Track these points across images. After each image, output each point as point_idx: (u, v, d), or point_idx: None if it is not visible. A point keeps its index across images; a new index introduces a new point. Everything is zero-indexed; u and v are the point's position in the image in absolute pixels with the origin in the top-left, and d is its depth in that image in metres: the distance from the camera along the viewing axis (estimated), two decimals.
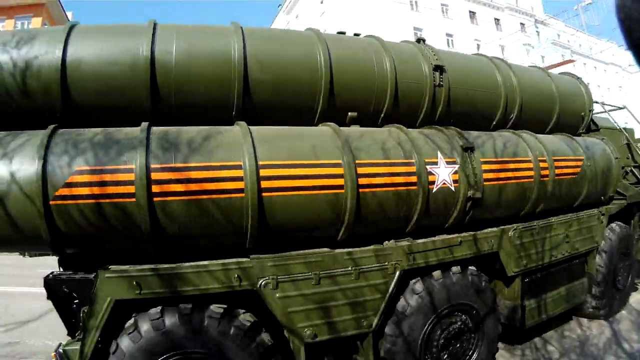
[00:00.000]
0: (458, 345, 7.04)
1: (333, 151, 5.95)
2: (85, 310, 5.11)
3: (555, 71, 11.28)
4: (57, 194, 4.93)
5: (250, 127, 5.84)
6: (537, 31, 67.69)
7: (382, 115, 7.19)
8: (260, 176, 5.41)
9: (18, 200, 4.89)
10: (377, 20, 49.47)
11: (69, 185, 4.94)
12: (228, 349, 5.38)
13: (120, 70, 5.71)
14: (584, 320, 9.31)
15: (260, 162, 5.47)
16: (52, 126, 5.33)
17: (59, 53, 5.50)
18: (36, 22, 46.98)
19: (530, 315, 7.93)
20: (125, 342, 5.10)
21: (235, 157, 5.44)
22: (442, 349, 6.85)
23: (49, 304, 12.25)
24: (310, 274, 5.77)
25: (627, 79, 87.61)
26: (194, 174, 5.25)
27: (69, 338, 6.00)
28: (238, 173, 5.37)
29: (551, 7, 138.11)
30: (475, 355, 7.19)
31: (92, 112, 5.80)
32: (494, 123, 8.58)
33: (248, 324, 5.52)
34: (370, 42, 7.52)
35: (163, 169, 5.17)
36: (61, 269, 5.93)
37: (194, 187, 5.23)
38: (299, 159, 5.75)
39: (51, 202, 4.91)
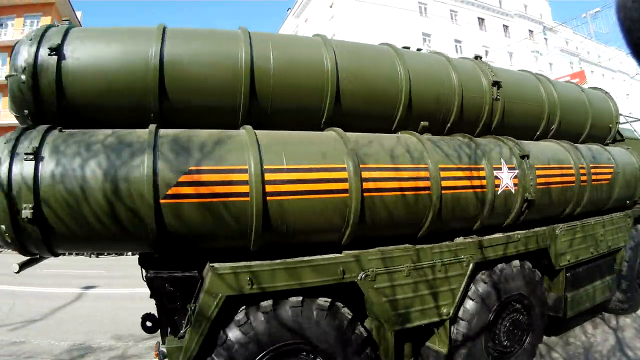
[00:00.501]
0: (514, 331, 7.63)
1: (429, 156, 6.58)
2: (193, 307, 5.33)
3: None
4: (168, 192, 5.16)
5: (344, 133, 6.30)
6: (545, 38, 67.65)
7: (449, 125, 7.80)
8: (366, 178, 5.91)
9: (127, 200, 5.08)
10: (386, 25, 49.62)
11: (181, 184, 5.19)
12: (332, 340, 5.75)
13: (218, 74, 6.05)
14: (589, 328, 9.40)
15: (364, 165, 5.98)
16: (153, 125, 5.60)
17: (156, 54, 5.75)
18: (45, 21, 46.96)
19: (571, 306, 8.61)
20: (235, 334, 5.37)
21: (337, 160, 5.88)
22: (502, 334, 7.45)
23: (55, 303, 12.42)
24: (402, 266, 6.32)
25: (635, 87, 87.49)
26: (301, 175, 5.64)
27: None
28: (343, 175, 5.82)
29: (560, 14, 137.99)
30: (527, 341, 7.83)
31: (188, 112, 6.09)
32: (538, 133, 9.30)
33: (349, 316, 5.96)
34: (438, 58, 8.15)
35: (273, 170, 5.52)
36: (143, 269, 6.05)
37: (301, 187, 5.62)
38: (394, 163, 6.31)
39: (162, 201, 5.13)
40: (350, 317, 5.96)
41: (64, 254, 6.18)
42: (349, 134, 6.31)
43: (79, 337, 10.38)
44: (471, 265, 6.94)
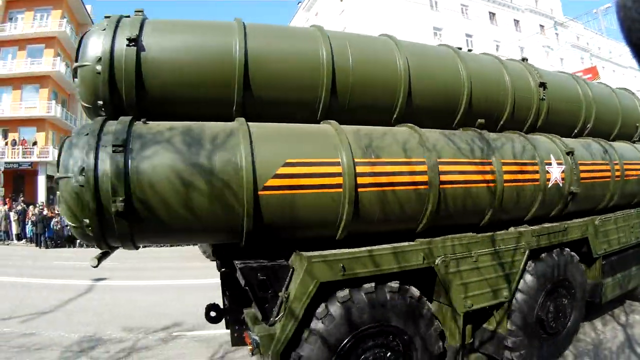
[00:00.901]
0: (560, 315, 8.15)
1: (479, 153, 7.09)
2: (286, 295, 5.53)
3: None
4: (266, 184, 5.36)
5: (418, 128, 6.74)
6: (556, 33, 67.38)
7: (501, 123, 8.33)
8: (440, 171, 6.40)
9: (225, 192, 5.26)
10: (396, 19, 49.41)
11: (278, 176, 5.42)
12: (411, 320, 6.20)
13: (298, 70, 6.30)
14: (599, 325, 9.44)
15: (439, 160, 6.50)
16: (241, 119, 5.83)
17: (241, 48, 5.89)
18: (55, 15, 47.07)
19: (607, 292, 9.27)
20: (336, 309, 5.67)
21: (416, 155, 6.34)
22: (550, 317, 7.94)
23: (65, 295, 12.37)
24: (471, 252, 6.83)
25: None
26: (384, 168, 6.01)
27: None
28: (420, 168, 6.28)
29: (570, 9, 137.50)
30: (568, 326, 8.31)
31: (268, 106, 6.27)
32: (576, 131, 9.92)
33: (418, 295, 6.37)
34: (492, 59, 8.71)
35: (362, 164, 5.85)
36: (217, 260, 6.90)
37: (387, 179, 6.00)
38: (463, 157, 6.88)
39: (260, 193, 5.32)
40: (418, 297, 6.33)
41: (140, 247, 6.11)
42: (420, 129, 6.75)
43: (89, 328, 10.37)
44: (527, 252, 7.47)
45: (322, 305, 5.69)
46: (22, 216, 30.08)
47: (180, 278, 17.22)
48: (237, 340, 7.79)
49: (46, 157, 43.58)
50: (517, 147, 7.68)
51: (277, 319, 5.52)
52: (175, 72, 5.81)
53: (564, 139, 8.78)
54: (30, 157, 43.42)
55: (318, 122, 6.44)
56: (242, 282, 5.71)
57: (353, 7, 50.05)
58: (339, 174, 5.65)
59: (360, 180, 5.77)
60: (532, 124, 8.84)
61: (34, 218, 28.54)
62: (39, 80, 45.69)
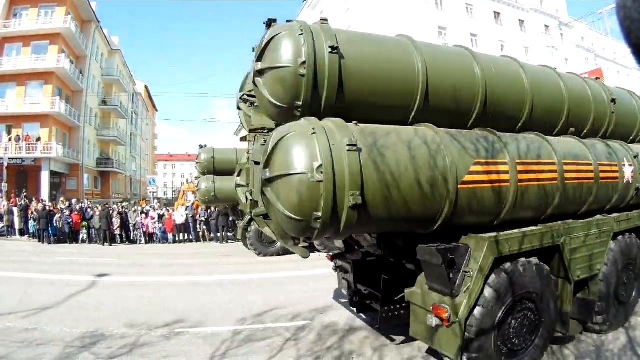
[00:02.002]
0: (630, 288, 9.78)
1: (591, 154, 8.90)
2: (468, 270, 6.66)
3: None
4: (463, 180, 6.52)
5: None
6: (561, 33, 67.26)
7: (585, 131, 9.90)
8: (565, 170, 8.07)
9: (432, 187, 6.27)
10: (401, 18, 49.33)
11: (471, 173, 6.64)
12: (544, 288, 7.53)
13: (465, 85, 7.47)
14: None
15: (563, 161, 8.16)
16: (428, 125, 6.88)
17: (422, 63, 6.84)
18: (60, 12, 47.21)
19: None
20: (503, 279, 6.90)
21: (547, 157, 7.95)
22: (624, 285, 9.49)
23: (68, 291, 12.37)
24: (580, 234, 8.36)
25: None
26: (535, 167, 7.58)
27: None
28: (552, 167, 7.88)
29: (576, 9, 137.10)
30: (633, 294, 9.89)
31: (439, 113, 7.23)
32: (631, 138, 11.52)
33: (549, 269, 7.81)
34: (578, 79, 10.34)
35: (522, 163, 7.34)
36: (386, 250, 7.91)
37: (532, 176, 7.51)
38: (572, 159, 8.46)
39: (459, 187, 6.47)
40: (548, 269, 7.77)
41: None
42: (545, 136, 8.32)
43: (92, 324, 10.32)
44: (612, 234, 9.07)
45: (493, 275, 6.80)
46: (24, 212, 30.09)
47: (184, 275, 17.20)
48: (386, 320, 8.55)
49: (49, 153, 43.72)
50: (606, 151, 9.46)
51: (463, 290, 6.57)
52: (368, 79, 6.50)
53: (628, 144, 10.61)
54: (34, 153, 43.56)
55: (409, 124, 7.06)
56: (430, 260, 6.72)
57: (358, 5, 49.98)
58: (506, 172, 7.05)
59: (520, 176, 7.20)
60: (604, 132, 10.42)
61: (36, 214, 28.53)
62: (43, 76, 45.81)
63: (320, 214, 5.51)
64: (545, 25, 64.62)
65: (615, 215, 9.54)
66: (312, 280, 15.21)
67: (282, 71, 6.09)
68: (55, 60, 45.53)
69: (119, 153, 70.11)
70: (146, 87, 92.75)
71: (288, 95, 6.16)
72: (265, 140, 7.10)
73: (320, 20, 6.79)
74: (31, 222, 29.62)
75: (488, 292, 6.69)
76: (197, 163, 24.06)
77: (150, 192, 45.43)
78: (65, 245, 26.99)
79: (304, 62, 5.95)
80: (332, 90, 6.17)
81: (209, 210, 30.91)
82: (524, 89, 8.25)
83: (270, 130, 7.31)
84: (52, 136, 45.37)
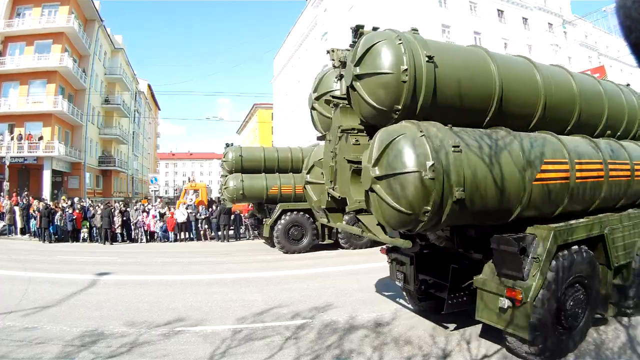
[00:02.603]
0: None
1: (629, 155, 9.88)
2: (537, 256, 7.45)
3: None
4: (537, 177, 7.47)
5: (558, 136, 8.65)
6: (564, 31, 67.17)
7: (619, 133, 10.66)
8: (610, 169, 9.06)
9: (514, 183, 7.16)
10: (405, 15, 49.26)
11: (542, 171, 7.59)
12: (591, 272, 8.43)
13: (531, 93, 8.47)
14: (601, 325, 9.52)
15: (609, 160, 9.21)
16: (503, 127, 7.81)
17: (497, 72, 7.72)
18: (63, 11, 47.32)
19: None
20: (563, 263, 7.77)
21: (595, 157, 8.93)
22: None
23: (68, 289, 12.36)
24: (619, 225, 9.31)
25: None
26: (586, 166, 8.46)
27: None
28: (598, 167, 8.81)
29: (580, 7, 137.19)
30: None
31: (509, 116, 8.11)
32: None
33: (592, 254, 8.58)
34: (614, 86, 11.07)
35: (577, 163, 8.24)
36: (458, 241, 8.54)
37: (586, 174, 8.43)
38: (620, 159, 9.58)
39: (533, 183, 7.40)
40: (593, 256, 8.60)
41: None
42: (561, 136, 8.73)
43: (92, 323, 10.30)
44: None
45: (554, 261, 7.57)
46: (26, 210, 30.12)
47: (185, 273, 17.22)
48: (453, 307, 9.07)
49: (52, 152, 43.81)
50: (638, 150, 10.34)
51: (532, 274, 7.32)
52: (457, 85, 7.33)
53: None
54: (36, 152, 43.63)
55: (485, 127, 7.89)
56: (505, 248, 7.42)
57: (362, 3, 49.93)
58: (567, 170, 7.99)
59: (577, 174, 8.13)
60: (634, 134, 11.23)
61: (37, 213, 28.55)
62: (46, 75, 45.91)
63: (429, 207, 6.31)
64: (549, 23, 64.52)
65: None
66: (313, 279, 15.37)
67: (384, 77, 6.87)
68: (59, 59, 45.55)
69: (121, 152, 70.25)
70: (149, 86, 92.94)
71: (389, 99, 6.94)
72: (356, 140, 7.93)
73: (411, 29, 7.61)
74: (32, 221, 29.67)
75: (550, 275, 7.48)
76: (223, 161, 24.20)
77: (151, 191, 45.46)
78: (66, 244, 27.03)
79: (405, 70, 6.71)
80: (428, 95, 6.94)
81: (209, 209, 31.07)
82: (574, 96, 9.20)
83: (360, 130, 8.08)
84: (54, 135, 45.45)
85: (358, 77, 7.27)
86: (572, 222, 8.35)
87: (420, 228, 6.73)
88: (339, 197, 8.43)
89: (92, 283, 14.96)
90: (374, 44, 7.07)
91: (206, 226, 30.42)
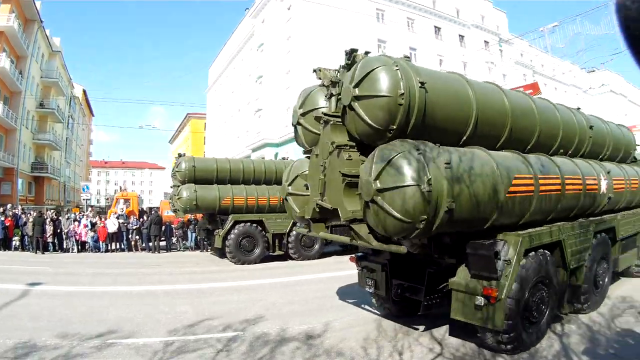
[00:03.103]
0: (603, 274, 12.23)
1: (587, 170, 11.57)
2: (507, 259, 8.46)
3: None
4: (509, 190, 8.61)
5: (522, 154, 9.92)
6: (500, 49, 68.69)
7: (570, 152, 12.07)
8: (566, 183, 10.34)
9: (492, 195, 8.24)
10: (342, 29, 49.80)
11: (513, 185, 8.69)
12: (551, 273, 9.61)
13: (500, 117, 9.73)
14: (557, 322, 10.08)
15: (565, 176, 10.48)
16: (479, 147, 8.91)
17: (473, 97, 8.84)
18: (4, 9, 46.25)
19: (620, 264, 13.62)
20: (530, 264, 8.89)
21: (555, 172, 10.21)
22: (600, 272, 12.07)
23: (1, 299, 12.13)
24: (572, 232, 10.55)
25: (586, 100, 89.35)
26: (548, 181, 9.74)
27: None
28: (557, 181, 10.07)
29: (517, 27, 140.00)
30: (605, 281, 12.41)
31: (482, 137, 9.23)
32: (601, 156, 13.87)
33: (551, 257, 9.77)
34: (568, 110, 12.60)
35: (541, 178, 9.48)
36: (434, 248, 9.04)
37: (547, 188, 9.67)
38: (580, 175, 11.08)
39: (507, 195, 8.55)
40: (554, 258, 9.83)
41: None
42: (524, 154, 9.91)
43: (25, 334, 10.20)
44: (593, 233, 11.38)
45: (522, 262, 8.60)
46: None
47: (117, 284, 17.11)
48: (428, 308, 9.93)
49: None
50: (589, 167, 11.78)
51: (504, 275, 8.26)
52: (442, 108, 8.35)
53: (603, 162, 13.29)
54: None
55: (461, 146, 8.84)
56: (481, 253, 8.31)
57: (300, 16, 50.08)
58: (531, 184, 9.13)
59: (540, 188, 9.33)
60: (583, 152, 12.67)
61: None
62: None
63: (425, 216, 7.21)
64: (485, 41, 66.13)
65: (592, 218, 11.86)
66: (242, 291, 15.49)
67: (382, 99, 7.70)
68: None
69: (54, 158, 68.53)
70: (84, 91, 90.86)
71: (386, 120, 7.78)
72: (349, 155, 8.68)
73: (404, 56, 8.75)
74: None
75: (520, 275, 8.47)
76: (176, 172, 24.04)
77: (83, 199, 44.72)
78: (7, 253, 26.47)
79: (402, 94, 7.56)
80: (419, 117, 7.85)
81: (140, 219, 30.92)
82: (536, 119, 10.52)
83: (351, 147, 8.83)
84: None
85: (357, 98, 8.10)
86: (537, 228, 9.61)
87: (416, 235, 7.63)
88: (331, 208, 8.94)
89: (25, 293, 14.75)
90: (373, 69, 7.90)
91: (137, 237, 30.13)
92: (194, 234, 30.97)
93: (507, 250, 8.53)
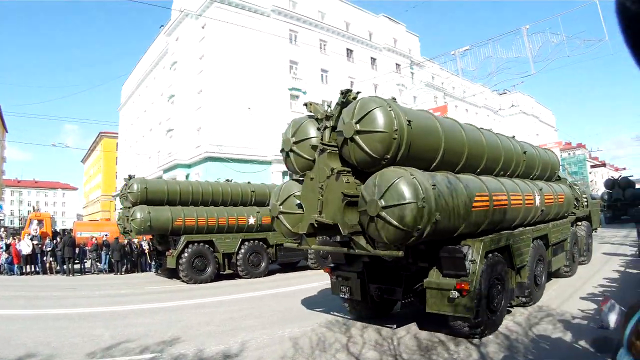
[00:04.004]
0: (540, 274, 14.47)
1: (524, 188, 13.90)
2: (472, 259, 10.29)
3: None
4: (473, 205, 10.59)
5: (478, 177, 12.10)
6: (412, 72, 70.26)
7: (508, 173, 14.40)
8: (512, 198, 12.61)
9: (463, 209, 10.18)
10: (255, 50, 50.26)
11: (476, 201, 10.71)
12: (503, 272, 11.66)
13: (460, 147, 11.83)
14: (451, 345, 10.29)
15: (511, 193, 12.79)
16: (447, 171, 10.99)
17: (442, 131, 10.87)
18: None
19: (552, 265, 16.05)
20: (490, 263, 10.91)
21: (501, 190, 12.35)
22: (539, 271, 14.27)
23: None
24: (517, 238, 12.83)
25: (497, 121, 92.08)
26: (498, 197, 11.87)
27: None
28: (504, 197, 12.17)
29: (429, 50, 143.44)
30: (543, 279, 14.79)
31: (448, 163, 11.26)
32: (531, 176, 16.23)
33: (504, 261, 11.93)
34: (504, 139, 14.95)
35: (494, 194, 11.72)
36: (410, 254, 11.15)
37: (497, 202, 11.73)
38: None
39: (472, 209, 10.54)
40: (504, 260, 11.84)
41: None
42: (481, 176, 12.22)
43: None
44: (532, 239, 13.81)
45: (484, 260, 10.60)
46: None
47: (32, 308, 16.79)
48: (405, 306, 12.55)
49: None
50: (525, 186, 14.10)
51: (471, 272, 10.12)
52: (421, 141, 10.21)
53: (534, 181, 15.97)
54: None
55: (432, 171, 10.64)
56: (454, 255, 10.40)
57: (213, 35, 49.94)
58: (487, 200, 11.15)
59: (494, 203, 11.43)
60: (518, 173, 14.98)
61: None
62: None
63: (420, 226, 8.97)
64: (397, 64, 67.68)
65: (531, 227, 14.37)
66: (156, 313, 15.43)
67: (380, 134, 9.51)
68: None
69: None
70: None
71: (382, 150, 9.57)
72: (347, 179, 10.31)
73: (392, 98, 10.82)
74: None
75: (483, 272, 10.40)
76: (127, 192, 24.12)
77: None
78: None
79: (396, 130, 9.43)
80: (406, 148, 9.73)
81: (54, 241, 30.24)
82: (484, 147, 12.72)
83: (348, 172, 10.46)
84: None
85: (358, 132, 9.76)
86: (491, 235, 11.55)
87: (411, 241, 9.45)
88: (332, 223, 10.51)
89: None
90: (372, 109, 9.71)
91: (52, 259, 29.45)
92: (107, 256, 30.52)
93: (472, 252, 10.39)
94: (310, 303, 15.73)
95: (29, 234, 31.33)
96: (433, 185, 9.35)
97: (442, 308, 10.35)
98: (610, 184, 58.16)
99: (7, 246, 29.28)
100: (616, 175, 69.77)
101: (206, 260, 23.63)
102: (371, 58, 65.46)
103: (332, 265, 13.24)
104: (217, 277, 24.11)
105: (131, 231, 23.84)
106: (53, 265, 29.39)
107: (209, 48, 50.88)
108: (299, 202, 11.58)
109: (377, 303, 12.78)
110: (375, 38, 67.71)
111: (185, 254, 22.99)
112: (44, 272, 29.12)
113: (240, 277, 24.25)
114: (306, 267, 27.04)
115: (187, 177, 51.87)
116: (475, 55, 31.97)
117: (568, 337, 10.23)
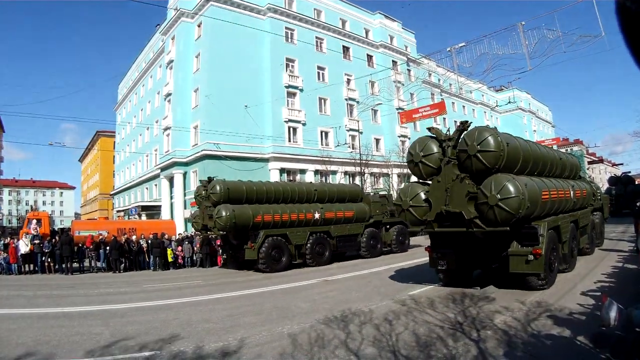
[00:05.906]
0: (567, 256, 17.98)
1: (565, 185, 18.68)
2: (542, 234, 14.20)
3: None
4: (542, 197, 14.75)
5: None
6: (408, 69, 70.28)
7: (555, 175, 18.80)
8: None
9: (536, 200, 14.19)
10: (251, 48, 50.25)
11: (543, 195, 14.97)
12: (559, 241, 16.53)
13: (533, 157, 16.61)
14: (450, 340, 9.95)
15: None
16: (527, 175, 15.24)
17: (520, 146, 15.23)
18: None
19: (581, 243, 20.71)
20: (552, 235, 15.51)
21: (553, 187, 16.74)
22: (561, 255, 17.37)
23: None
24: (565, 221, 17.29)
25: (494, 118, 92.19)
26: (553, 192, 16.38)
27: None
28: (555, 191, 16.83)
29: (426, 47, 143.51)
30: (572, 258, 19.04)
31: (523, 170, 15.57)
32: (564, 177, 20.78)
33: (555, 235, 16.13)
34: (555, 150, 21.63)
35: (553, 191, 16.26)
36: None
37: (555, 195, 16.36)
38: None
39: (541, 200, 14.55)
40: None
41: None
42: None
43: None
44: (569, 221, 17.76)
45: (548, 234, 14.48)
46: None
47: (31, 307, 16.83)
48: (493, 270, 16.79)
49: None
50: (567, 184, 18.43)
51: (541, 242, 14.11)
52: (512, 156, 14.37)
53: (567, 180, 19.92)
54: None
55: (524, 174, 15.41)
56: (531, 232, 14.38)
57: (209, 34, 49.65)
58: (548, 194, 15.28)
59: (552, 195, 15.76)
60: (557, 174, 18.88)
61: None
62: None
63: (521, 211, 13.01)
64: (393, 61, 67.80)
65: (567, 214, 18.02)
66: (155, 311, 15.44)
67: (494, 152, 13.63)
68: None
69: None
70: None
71: (495, 163, 13.71)
72: (468, 182, 14.40)
73: (494, 127, 14.74)
74: None
75: (547, 242, 14.41)
76: (210, 193, 26.69)
77: None
78: None
79: (502, 150, 13.59)
80: (506, 161, 13.86)
81: (53, 240, 30.38)
82: (540, 156, 16.83)
83: (468, 177, 14.52)
84: None
85: (479, 151, 13.79)
86: (548, 218, 15.52)
87: (513, 221, 13.39)
88: (459, 211, 14.48)
89: None
90: (488, 136, 13.78)
91: (49, 258, 29.47)
92: (105, 255, 30.68)
93: (541, 229, 14.48)
94: (402, 277, 20.34)
95: (29, 234, 31.33)
96: (525, 185, 13.44)
97: (522, 268, 14.35)
98: (614, 180, 63.04)
99: (5, 246, 29.37)
100: (614, 171, 77.80)
101: (281, 252, 26.57)
102: (367, 55, 65.50)
103: (430, 245, 17.45)
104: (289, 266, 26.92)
105: (213, 228, 26.58)
106: (52, 265, 29.41)
107: (205, 46, 51.07)
108: (425, 197, 15.79)
109: (464, 273, 17.03)
110: (371, 35, 68.13)
111: (264, 246, 25.75)
112: (43, 272, 29.12)
113: (307, 265, 27.64)
114: (356, 257, 31.28)
115: (184, 175, 51.90)
116: (471, 52, 31.92)
117: (567, 332, 9.85)
